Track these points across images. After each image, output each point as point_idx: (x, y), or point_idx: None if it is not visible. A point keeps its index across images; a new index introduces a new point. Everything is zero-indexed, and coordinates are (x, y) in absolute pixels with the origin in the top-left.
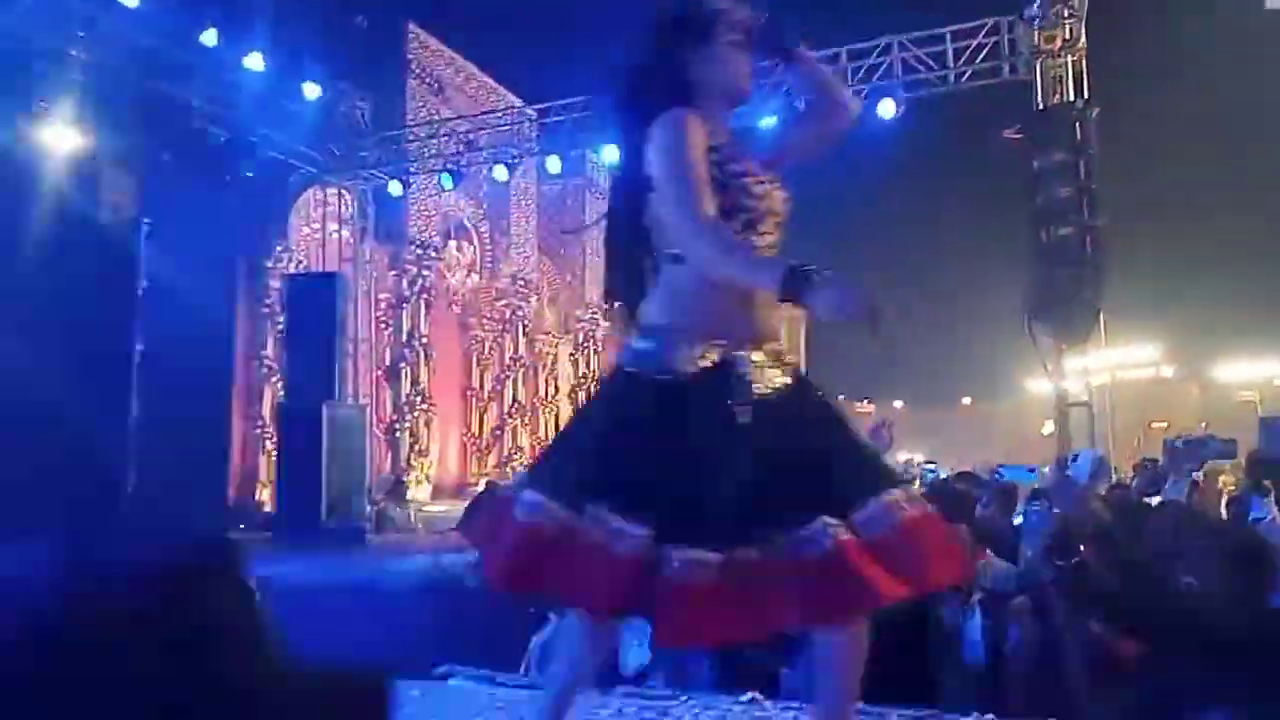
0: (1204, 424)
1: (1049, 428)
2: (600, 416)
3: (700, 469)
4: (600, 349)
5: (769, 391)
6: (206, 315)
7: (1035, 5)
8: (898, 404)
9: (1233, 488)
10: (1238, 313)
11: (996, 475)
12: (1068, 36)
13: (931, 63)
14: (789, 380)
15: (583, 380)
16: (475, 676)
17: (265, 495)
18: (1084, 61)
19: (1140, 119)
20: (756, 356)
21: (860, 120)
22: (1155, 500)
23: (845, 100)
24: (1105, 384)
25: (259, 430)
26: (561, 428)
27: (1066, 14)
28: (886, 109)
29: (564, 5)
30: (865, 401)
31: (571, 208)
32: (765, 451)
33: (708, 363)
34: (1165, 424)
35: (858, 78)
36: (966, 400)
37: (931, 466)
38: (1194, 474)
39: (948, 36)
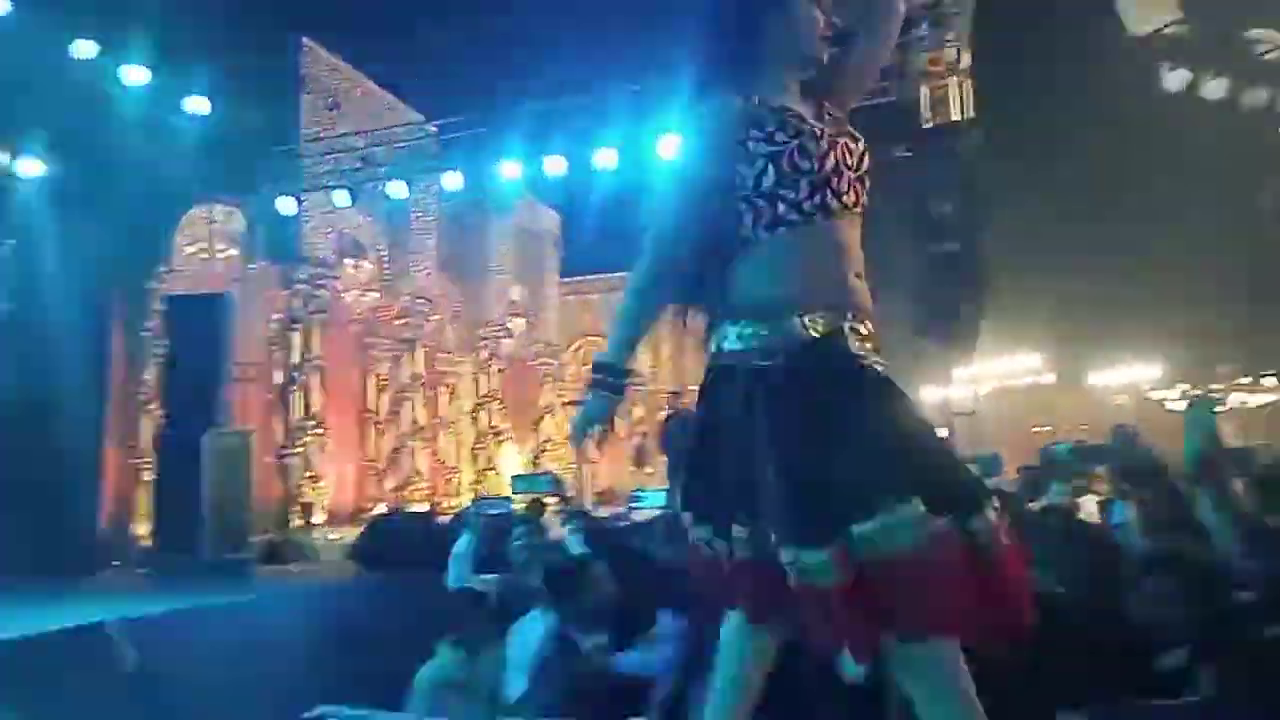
0: (1083, 427)
1: (943, 433)
2: (714, 427)
3: (834, 453)
4: (504, 367)
5: (880, 365)
6: (77, 340)
7: (923, 27)
8: None
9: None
10: (1114, 322)
11: None
12: (952, 59)
13: None
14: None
15: (485, 400)
16: (351, 718)
17: (143, 529)
18: (968, 83)
19: (1022, 137)
20: (862, 329)
21: None
22: (1039, 504)
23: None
24: (990, 392)
25: (136, 460)
26: (688, 450)
27: (951, 37)
28: None
29: (465, 20)
30: None
31: (473, 225)
32: (888, 428)
33: (815, 334)
34: (1047, 428)
35: None
36: None
37: None
38: (1075, 480)
39: None
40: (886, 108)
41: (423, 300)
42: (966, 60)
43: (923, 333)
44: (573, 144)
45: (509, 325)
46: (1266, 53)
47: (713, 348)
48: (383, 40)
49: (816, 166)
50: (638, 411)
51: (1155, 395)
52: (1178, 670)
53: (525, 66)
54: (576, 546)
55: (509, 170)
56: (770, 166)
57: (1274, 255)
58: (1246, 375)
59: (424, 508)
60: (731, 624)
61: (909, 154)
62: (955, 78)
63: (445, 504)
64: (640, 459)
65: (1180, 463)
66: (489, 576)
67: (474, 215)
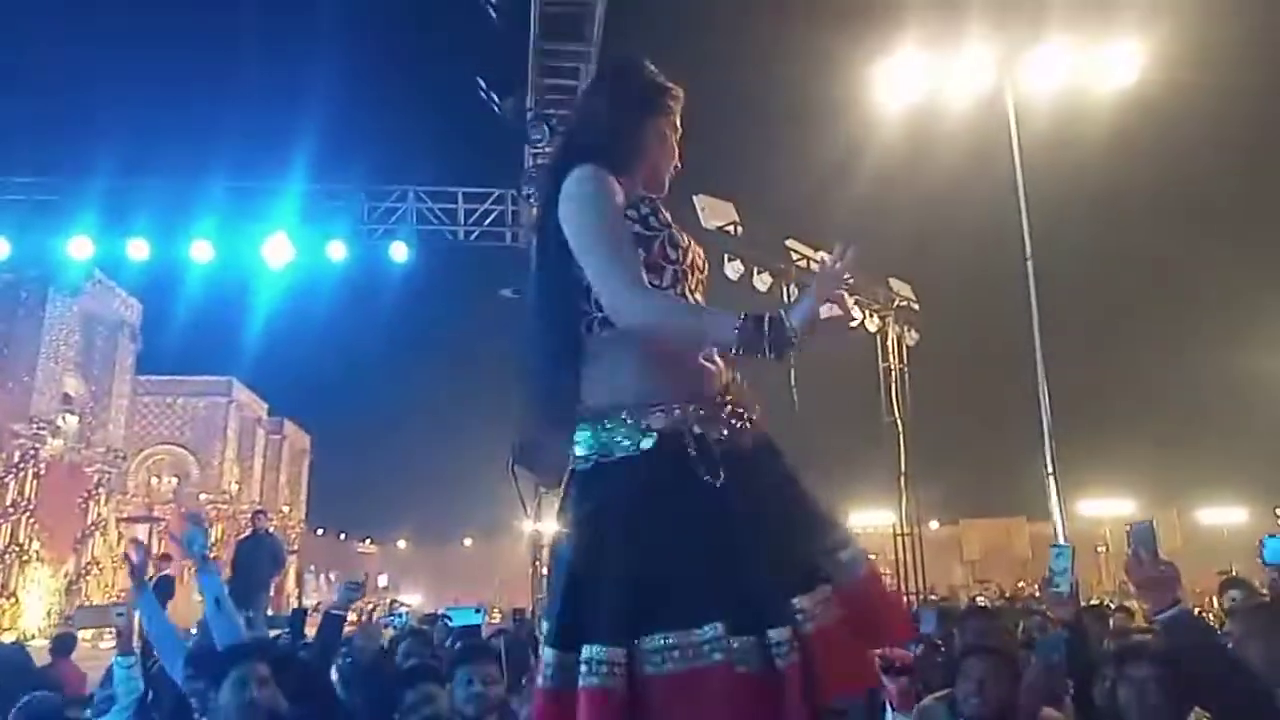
0: None
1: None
2: (596, 531)
3: (711, 548)
4: (42, 471)
5: (738, 447)
6: None
7: (532, 185)
8: (401, 543)
9: None
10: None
11: (445, 618)
12: None
13: (444, 217)
14: (754, 435)
15: (12, 508)
16: None
17: None
18: None
19: None
20: (705, 414)
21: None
22: None
23: None
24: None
25: None
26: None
27: None
28: (399, 252)
29: (43, 77)
30: (368, 541)
31: (27, 302)
32: (753, 513)
33: (657, 433)
34: None
35: (374, 217)
36: (468, 541)
37: (404, 609)
38: None
39: (460, 196)
40: (508, 250)
41: None
42: None
43: (516, 465)
44: (160, 229)
45: (59, 423)
46: (798, 260)
47: (576, 453)
48: None
49: (681, 259)
50: (214, 533)
51: None
52: None
53: (112, 134)
54: None
55: (78, 248)
56: (641, 249)
57: None
58: None
59: None
60: None
61: (518, 294)
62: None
63: None
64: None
65: None
66: None
67: (28, 291)
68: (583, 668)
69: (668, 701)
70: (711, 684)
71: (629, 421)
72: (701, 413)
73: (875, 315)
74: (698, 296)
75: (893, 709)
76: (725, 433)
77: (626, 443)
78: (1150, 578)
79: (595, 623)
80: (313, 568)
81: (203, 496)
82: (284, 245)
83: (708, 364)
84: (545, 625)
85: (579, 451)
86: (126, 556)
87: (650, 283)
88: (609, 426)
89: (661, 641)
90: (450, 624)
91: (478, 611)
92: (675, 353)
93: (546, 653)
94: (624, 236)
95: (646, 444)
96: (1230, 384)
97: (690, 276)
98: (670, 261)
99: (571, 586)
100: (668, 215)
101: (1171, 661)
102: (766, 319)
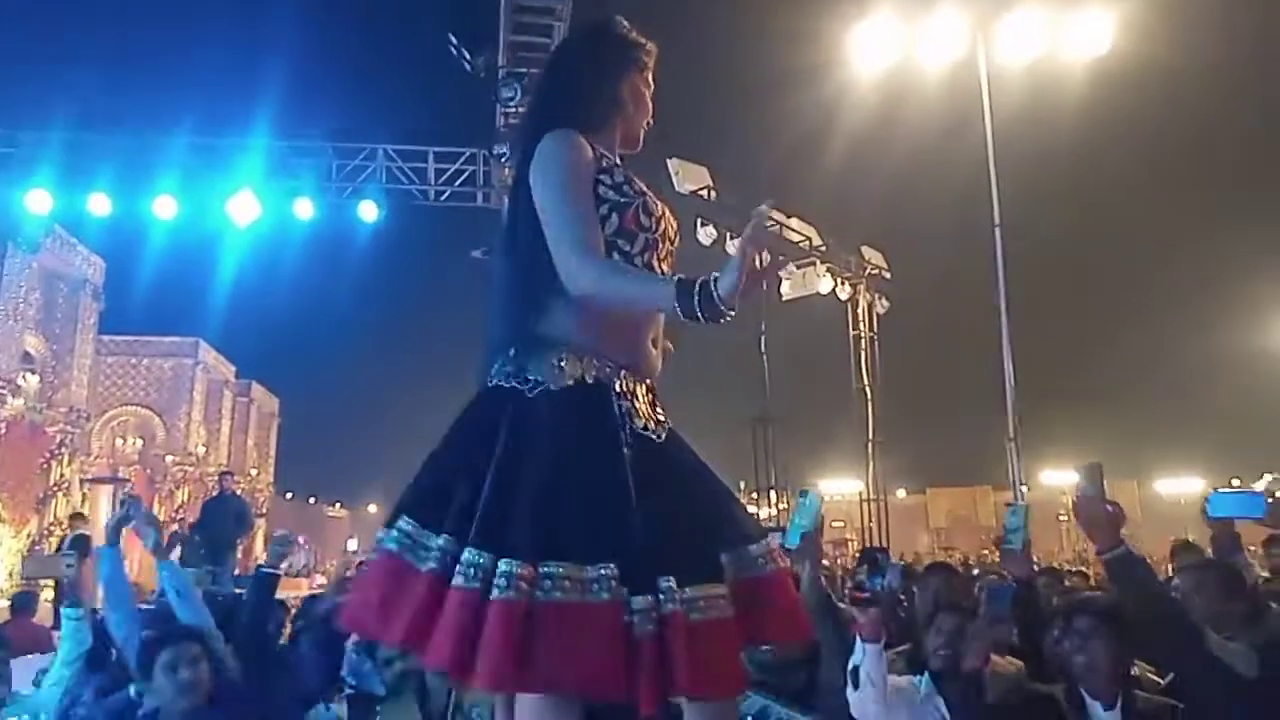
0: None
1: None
2: (483, 441)
3: (615, 498)
4: (2, 430)
5: (653, 428)
6: None
7: (506, 145)
8: (372, 508)
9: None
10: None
11: None
12: None
13: (415, 176)
14: (667, 428)
15: None
16: None
17: None
18: None
19: None
20: (642, 392)
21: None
22: None
23: None
24: None
25: None
26: (434, 461)
27: None
28: (368, 211)
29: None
30: (337, 505)
31: None
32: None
33: (589, 379)
34: None
35: (342, 175)
36: None
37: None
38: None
39: (430, 155)
40: (479, 210)
41: None
42: None
43: None
44: (122, 184)
45: (19, 381)
46: (771, 226)
47: (507, 369)
48: None
49: (654, 227)
50: (180, 495)
51: None
52: None
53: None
54: None
55: (37, 201)
56: (615, 215)
57: None
58: None
59: None
60: None
61: (488, 256)
62: None
63: None
64: (174, 549)
65: None
66: None
67: None
68: (500, 580)
69: (548, 627)
70: (595, 621)
71: (569, 358)
72: (632, 384)
73: (847, 283)
74: (664, 266)
75: (862, 639)
76: (645, 410)
77: (557, 374)
78: (1096, 515)
79: (514, 537)
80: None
81: (169, 458)
82: (250, 202)
83: (650, 349)
84: (450, 517)
85: (513, 369)
86: (122, 503)
87: (621, 249)
88: (550, 358)
89: (557, 569)
90: None
91: None
92: (626, 323)
93: (469, 553)
94: (587, 204)
95: (586, 380)
96: (1191, 358)
97: (661, 245)
98: (643, 229)
99: (497, 493)
100: (641, 184)
101: (1115, 615)
102: (696, 285)
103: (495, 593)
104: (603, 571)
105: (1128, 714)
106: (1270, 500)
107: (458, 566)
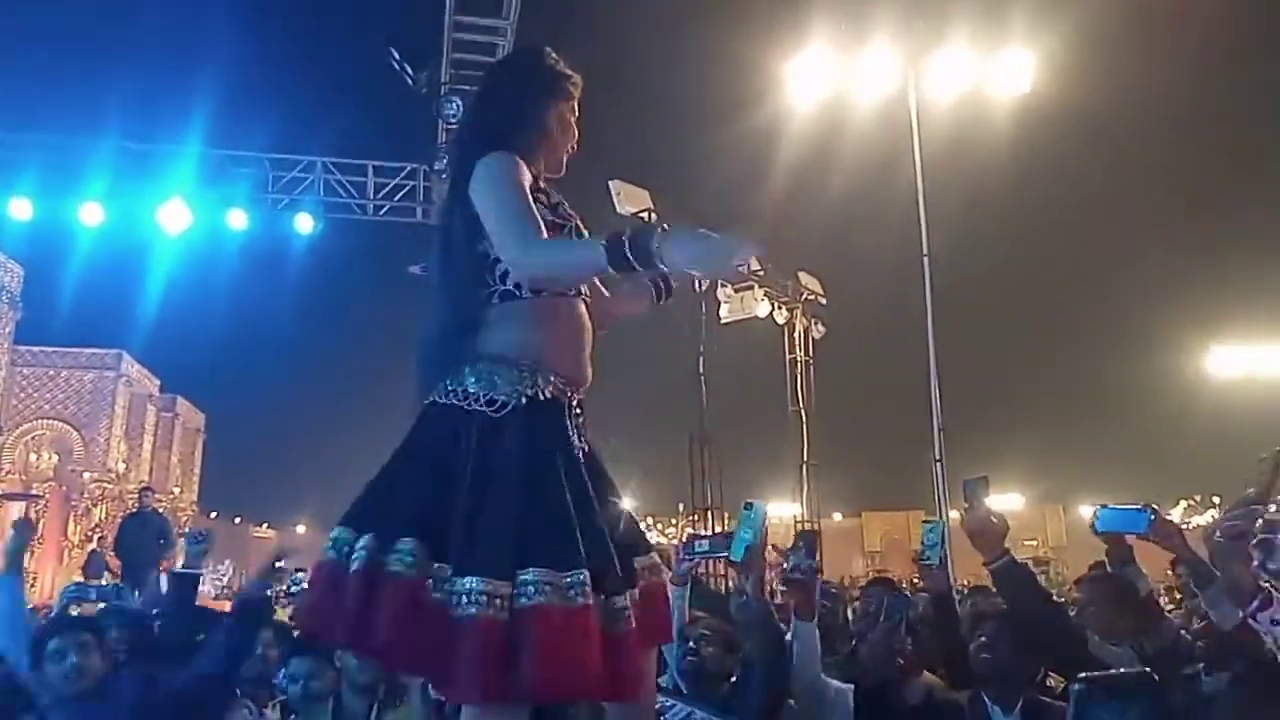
0: None
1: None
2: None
3: (569, 505)
4: None
5: (583, 440)
6: None
7: (444, 161)
8: (300, 528)
9: None
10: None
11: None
12: None
13: (353, 190)
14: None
15: None
16: None
17: None
18: None
19: None
20: (578, 406)
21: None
22: None
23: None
24: None
25: None
26: (387, 478)
27: None
28: (304, 224)
29: None
30: (264, 525)
31: None
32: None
33: (545, 396)
34: None
35: (278, 186)
36: None
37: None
38: None
39: (370, 169)
40: (418, 226)
41: None
42: None
43: None
44: (46, 189)
45: None
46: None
47: (450, 381)
48: None
49: None
50: (98, 513)
51: None
52: None
53: None
54: None
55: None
56: (550, 231)
57: None
58: None
59: None
60: None
61: (425, 272)
62: None
63: None
64: (92, 568)
65: None
66: None
67: None
68: (462, 598)
69: (535, 629)
70: (576, 623)
71: (521, 374)
72: (572, 396)
73: (784, 308)
74: (602, 287)
75: (796, 618)
76: (580, 423)
77: (515, 393)
78: (982, 528)
79: (483, 554)
80: None
81: (86, 475)
82: (181, 211)
83: (588, 364)
84: (412, 537)
85: (469, 389)
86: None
87: None
88: (497, 374)
89: (534, 576)
90: None
91: None
92: (566, 338)
93: (466, 582)
94: (530, 206)
95: (540, 396)
96: (1116, 386)
97: None
98: None
99: (472, 515)
100: (570, 209)
101: (1013, 623)
102: (628, 233)
103: (474, 609)
104: (579, 578)
105: (1028, 717)
106: (1154, 517)
107: (429, 583)
